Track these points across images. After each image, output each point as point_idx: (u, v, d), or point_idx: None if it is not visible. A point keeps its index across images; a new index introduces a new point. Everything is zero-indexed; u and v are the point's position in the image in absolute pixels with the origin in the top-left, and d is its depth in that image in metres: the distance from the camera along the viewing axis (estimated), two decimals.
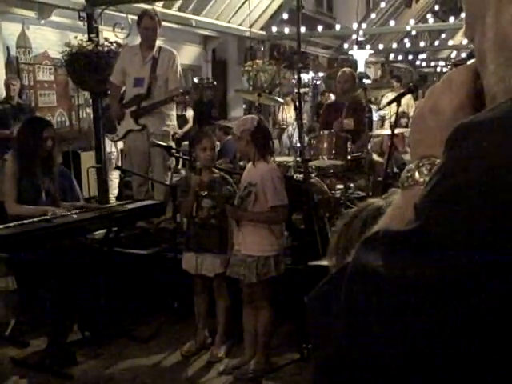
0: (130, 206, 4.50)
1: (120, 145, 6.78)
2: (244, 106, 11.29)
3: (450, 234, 0.53)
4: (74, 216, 4.00)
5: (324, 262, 3.21)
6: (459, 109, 0.68)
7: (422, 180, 0.67)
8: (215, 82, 5.85)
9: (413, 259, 0.54)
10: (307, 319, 0.63)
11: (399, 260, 0.55)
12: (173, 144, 5.53)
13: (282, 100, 6.53)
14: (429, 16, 15.50)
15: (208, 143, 3.91)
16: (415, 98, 9.35)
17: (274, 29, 11.88)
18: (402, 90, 5.22)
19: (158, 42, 5.56)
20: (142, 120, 5.36)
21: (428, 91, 0.74)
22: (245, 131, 3.65)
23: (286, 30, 11.69)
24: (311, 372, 0.62)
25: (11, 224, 3.74)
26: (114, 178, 7.15)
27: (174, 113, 5.60)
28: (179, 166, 7.00)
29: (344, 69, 6.69)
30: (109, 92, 5.83)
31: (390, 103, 5.11)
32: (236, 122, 3.83)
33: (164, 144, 5.00)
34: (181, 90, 5.38)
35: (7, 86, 7.03)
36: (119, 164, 7.08)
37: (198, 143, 3.96)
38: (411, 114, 6.84)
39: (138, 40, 5.64)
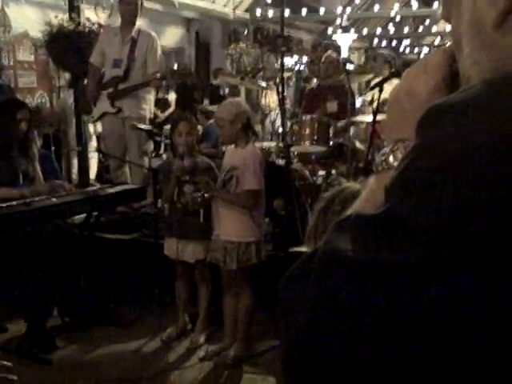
0: (110, 190, 4.46)
1: (98, 128, 6.72)
2: (227, 90, 11.23)
3: (418, 217, 0.52)
4: (54, 200, 3.95)
5: (305, 249, 3.22)
6: (435, 91, 0.68)
7: (395, 164, 0.67)
8: (192, 69, 5.81)
9: (380, 243, 0.54)
10: (277, 303, 0.62)
11: (367, 244, 0.55)
12: (149, 128, 5.47)
13: (265, 84, 6.48)
14: (413, 2, 15.47)
15: (184, 127, 3.86)
16: None
17: (259, 11, 11.80)
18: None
19: (141, 24, 5.48)
20: (117, 102, 5.29)
21: (404, 74, 0.74)
22: (239, 114, 3.58)
23: (270, 13, 11.61)
24: (280, 356, 0.61)
25: None
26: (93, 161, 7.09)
27: (151, 96, 5.53)
28: (161, 151, 6.94)
29: (329, 52, 6.67)
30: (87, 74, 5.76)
31: (372, 88, 5.10)
32: (223, 106, 3.75)
33: (145, 127, 4.96)
34: (158, 75, 5.31)
35: None
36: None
37: (175, 127, 3.92)
38: None
39: (120, 20, 5.55)
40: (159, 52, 5.40)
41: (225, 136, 3.71)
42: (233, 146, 3.74)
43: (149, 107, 5.46)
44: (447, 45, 0.71)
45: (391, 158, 0.69)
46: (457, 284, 0.50)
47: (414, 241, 0.52)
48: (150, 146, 5.56)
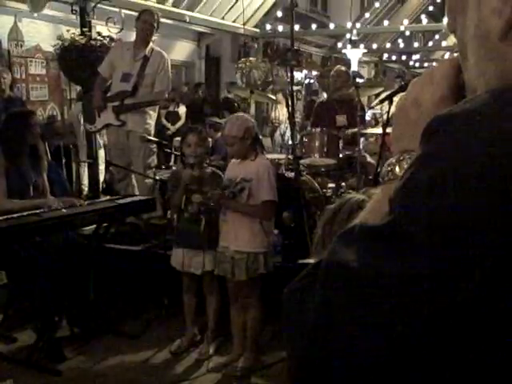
0: (120, 202, 4.48)
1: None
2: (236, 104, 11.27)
3: (421, 227, 0.52)
4: (64, 211, 3.97)
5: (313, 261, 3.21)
6: (441, 102, 0.68)
7: (401, 175, 0.67)
8: (201, 92, 5.86)
9: (384, 254, 0.54)
10: (281, 314, 0.62)
11: (372, 255, 0.55)
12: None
13: (274, 97, 6.51)
14: (423, 17, 15.51)
15: (193, 139, 3.88)
16: None
17: (268, 26, 11.87)
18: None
19: (155, 40, 5.53)
20: (122, 116, 5.33)
21: (410, 84, 0.74)
22: (248, 130, 3.62)
23: (280, 28, 11.67)
24: (287, 367, 0.61)
25: (0, 218, 3.71)
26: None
27: (155, 113, 5.56)
28: (171, 163, 6.97)
29: (338, 66, 6.70)
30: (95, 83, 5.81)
31: (382, 101, 5.11)
32: (231, 123, 3.73)
33: (156, 139, 4.98)
34: (166, 96, 5.35)
35: None
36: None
37: (184, 139, 3.95)
38: None
39: (130, 35, 5.61)
40: (169, 72, 5.45)
41: (235, 152, 3.69)
42: (238, 160, 3.75)
43: (153, 122, 5.50)
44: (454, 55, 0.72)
45: (397, 169, 0.69)
46: (460, 293, 0.50)
47: (417, 251, 0.52)
48: (154, 160, 5.57)
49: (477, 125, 0.53)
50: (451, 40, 17.34)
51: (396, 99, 4.78)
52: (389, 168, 0.70)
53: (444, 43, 16.47)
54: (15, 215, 3.77)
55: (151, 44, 5.42)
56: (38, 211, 3.86)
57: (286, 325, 0.62)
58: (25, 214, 3.82)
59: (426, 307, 0.51)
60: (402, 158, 0.69)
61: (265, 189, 3.59)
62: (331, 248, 0.59)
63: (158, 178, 5.21)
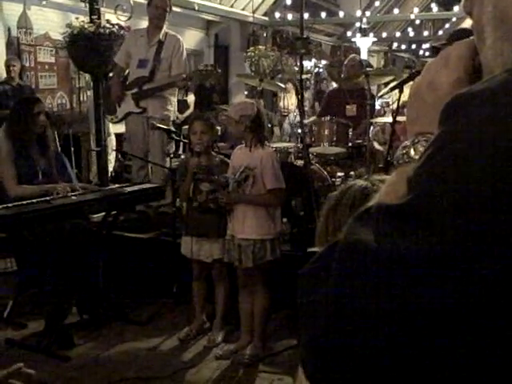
0: (129, 190, 4.49)
1: (118, 128, 6.75)
2: (246, 93, 11.25)
3: (442, 206, 0.52)
4: (74, 198, 3.99)
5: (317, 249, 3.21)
6: (456, 85, 0.67)
7: (417, 157, 0.66)
8: (219, 69, 5.83)
9: (404, 233, 0.53)
10: (296, 295, 0.62)
11: (390, 234, 0.54)
12: (173, 129, 5.50)
13: (283, 85, 6.49)
14: (433, 5, 15.40)
15: (199, 127, 3.88)
16: None
17: (277, 15, 11.81)
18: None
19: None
20: (142, 103, 5.33)
21: (425, 67, 0.73)
22: (244, 116, 3.62)
23: (289, 16, 11.62)
24: (300, 351, 0.61)
25: (10, 204, 3.73)
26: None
27: (174, 98, 5.57)
28: (180, 151, 6.97)
29: (353, 55, 6.69)
30: (111, 73, 5.81)
31: (392, 89, 5.08)
32: (233, 106, 3.79)
33: (164, 127, 4.98)
34: (184, 76, 5.34)
35: (7, 67, 7.00)
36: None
37: (190, 127, 3.95)
38: None
39: (139, 23, 5.60)
40: (184, 55, 5.45)
41: (233, 134, 3.77)
42: (242, 146, 3.75)
43: (173, 109, 5.50)
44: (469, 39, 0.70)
45: (412, 152, 0.68)
46: (481, 275, 0.49)
47: (438, 231, 0.51)
48: (172, 146, 5.58)
49: (497, 103, 0.53)
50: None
51: (405, 89, 4.77)
52: (403, 151, 0.70)
53: None
54: (25, 202, 3.79)
55: (165, 28, 5.42)
56: (48, 198, 3.88)
57: (301, 308, 0.61)
58: (34, 200, 3.83)
59: (447, 288, 0.50)
60: (416, 141, 0.69)
61: (269, 177, 3.59)
62: (347, 229, 0.59)
63: (167, 166, 5.21)
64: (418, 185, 0.56)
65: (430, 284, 0.51)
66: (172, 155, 5.27)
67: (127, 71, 5.52)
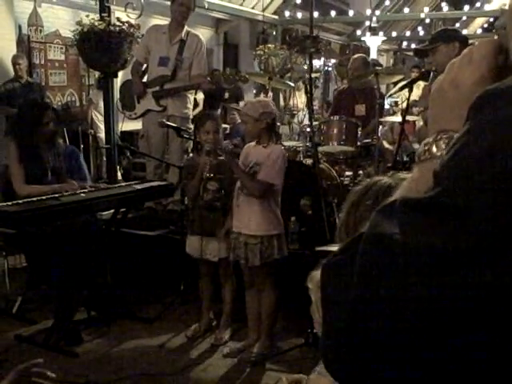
0: (137, 187, 4.49)
1: (130, 126, 6.77)
2: (254, 91, 11.24)
3: (472, 200, 0.52)
4: (82, 195, 4.00)
5: (331, 248, 3.20)
6: (480, 83, 0.67)
7: (439, 154, 0.67)
8: (246, 75, 5.85)
9: (431, 226, 0.53)
10: (320, 287, 0.62)
11: (416, 227, 0.54)
12: (191, 127, 5.49)
13: (292, 84, 6.47)
14: (443, 4, 15.33)
15: (211, 127, 3.88)
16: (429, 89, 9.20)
17: (287, 13, 11.79)
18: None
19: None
20: (163, 101, 5.35)
21: (448, 65, 0.73)
22: (265, 114, 3.60)
23: (299, 15, 11.60)
24: (320, 342, 0.60)
25: (20, 201, 3.75)
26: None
27: (192, 96, 5.59)
28: (189, 149, 6.98)
29: (356, 55, 6.64)
30: (130, 69, 5.82)
31: (401, 89, 5.07)
32: (251, 104, 3.76)
33: (173, 125, 4.98)
34: (208, 79, 5.36)
35: (14, 65, 7.01)
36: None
37: (202, 126, 3.94)
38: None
39: (149, 21, 5.59)
40: (205, 55, 5.46)
41: (248, 132, 3.74)
42: (253, 143, 3.75)
43: (191, 106, 5.51)
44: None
45: (434, 148, 0.68)
46: (509, 269, 0.49)
47: (468, 224, 0.51)
48: (191, 144, 5.59)
49: None
50: (473, 28, 17.13)
51: (416, 91, 4.76)
52: (425, 147, 0.70)
53: (465, 31, 16.26)
54: (34, 199, 3.81)
55: (186, 27, 5.43)
56: (56, 195, 3.89)
57: (325, 300, 0.61)
58: (44, 197, 3.85)
59: (474, 282, 0.50)
60: (439, 138, 0.69)
61: (265, 170, 3.57)
62: (371, 222, 0.59)
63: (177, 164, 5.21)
64: (445, 179, 0.56)
65: (459, 276, 0.51)
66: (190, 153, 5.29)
67: (144, 66, 5.53)
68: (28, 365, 1.63)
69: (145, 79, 5.57)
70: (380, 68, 7.22)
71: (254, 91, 11.52)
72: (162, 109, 5.34)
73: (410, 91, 4.60)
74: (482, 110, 0.56)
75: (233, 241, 3.72)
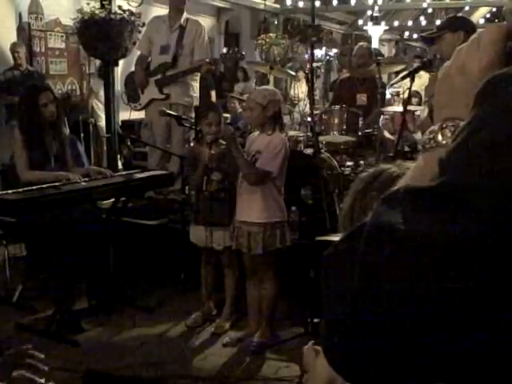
0: (138, 176, 4.49)
1: (131, 115, 6.74)
2: (255, 80, 11.21)
3: (479, 189, 0.51)
4: (83, 184, 4.00)
5: (332, 238, 3.20)
6: (487, 69, 0.65)
7: (444, 142, 0.65)
8: (243, 53, 5.84)
9: (436, 215, 0.52)
10: (320, 277, 0.61)
11: (421, 216, 0.53)
12: (193, 116, 5.47)
13: (293, 73, 6.45)
14: None
15: (214, 118, 3.87)
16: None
17: (288, 2, 11.73)
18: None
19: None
20: (166, 89, 5.34)
21: (455, 51, 0.71)
22: (273, 102, 3.59)
23: (301, 4, 11.54)
24: (321, 333, 0.60)
25: (20, 190, 3.75)
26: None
27: (196, 84, 5.56)
28: (190, 138, 6.97)
29: (361, 43, 6.61)
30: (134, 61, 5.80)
31: (403, 78, 5.04)
32: (258, 92, 3.75)
33: (174, 113, 4.96)
34: (207, 60, 5.33)
35: (12, 53, 6.98)
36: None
37: (204, 117, 3.93)
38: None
39: (150, 9, 5.57)
40: (206, 40, 5.44)
41: (253, 120, 3.70)
42: (256, 132, 3.73)
43: (196, 95, 5.49)
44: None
45: (440, 137, 0.67)
46: None
47: (474, 213, 0.50)
48: (192, 133, 5.57)
49: None
50: (474, 18, 17.01)
51: (418, 82, 4.73)
52: (430, 136, 0.68)
53: None
54: (34, 187, 3.80)
55: (185, 13, 5.40)
56: (57, 184, 3.89)
57: (326, 288, 0.60)
58: (44, 186, 3.84)
59: (480, 271, 0.49)
60: (444, 126, 0.67)
61: (264, 158, 3.56)
62: (374, 211, 0.58)
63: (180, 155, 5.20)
64: (451, 167, 0.55)
65: (465, 265, 0.50)
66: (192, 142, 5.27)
67: (149, 58, 5.52)
68: (18, 349, 1.64)
69: None
70: (382, 58, 7.18)
71: (255, 80, 11.48)
72: (165, 97, 5.33)
73: (412, 81, 4.57)
74: (490, 95, 0.55)
75: (236, 229, 3.72)
